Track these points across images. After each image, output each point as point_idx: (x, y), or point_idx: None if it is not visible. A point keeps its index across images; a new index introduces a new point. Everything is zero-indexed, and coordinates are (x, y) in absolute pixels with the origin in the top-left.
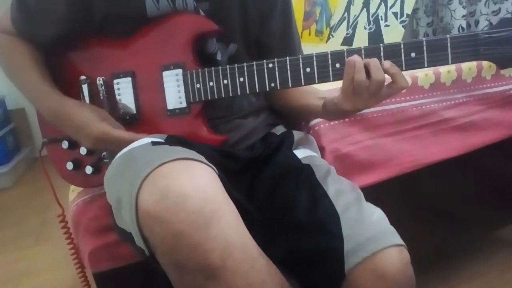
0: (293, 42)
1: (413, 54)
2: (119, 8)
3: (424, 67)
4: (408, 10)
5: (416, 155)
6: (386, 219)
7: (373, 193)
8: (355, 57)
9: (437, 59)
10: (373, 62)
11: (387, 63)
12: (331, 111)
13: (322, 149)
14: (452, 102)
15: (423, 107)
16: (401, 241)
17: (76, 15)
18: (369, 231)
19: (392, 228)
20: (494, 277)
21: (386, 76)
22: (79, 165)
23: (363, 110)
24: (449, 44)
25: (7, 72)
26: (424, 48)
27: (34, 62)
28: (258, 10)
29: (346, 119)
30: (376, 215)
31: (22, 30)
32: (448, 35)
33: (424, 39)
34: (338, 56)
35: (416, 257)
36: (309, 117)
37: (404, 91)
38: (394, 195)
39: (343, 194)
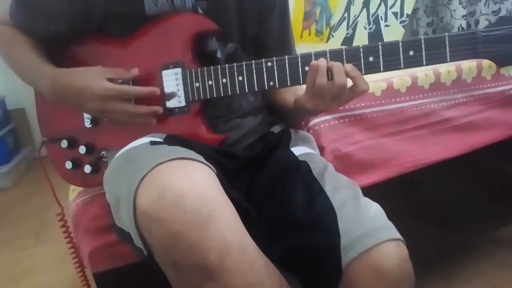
0: (289, 41)
1: (411, 52)
2: (118, 6)
3: (423, 65)
4: (408, 10)
5: (416, 155)
6: (384, 214)
7: (373, 193)
8: (320, 61)
9: (435, 57)
10: (336, 66)
11: (348, 66)
12: (298, 109)
13: (322, 149)
14: (452, 102)
15: (423, 107)
16: (398, 235)
17: (75, 13)
18: (366, 226)
19: (389, 223)
20: (495, 276)
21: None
22: (78, 164)
23: (325, 111)
24: (447, 42)
25: (5, 58)
26: (423, 46)
27: (30, 43)
28: (257, 10)
29: (346, 119)
30: (373, 210)
31: (20, 25)
32: (446, 33)
33: (422, 37)
34: (336, 54)
35: (416, 257)
36: (285, 113)
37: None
38: (394, 195)
39: (340, 190)
